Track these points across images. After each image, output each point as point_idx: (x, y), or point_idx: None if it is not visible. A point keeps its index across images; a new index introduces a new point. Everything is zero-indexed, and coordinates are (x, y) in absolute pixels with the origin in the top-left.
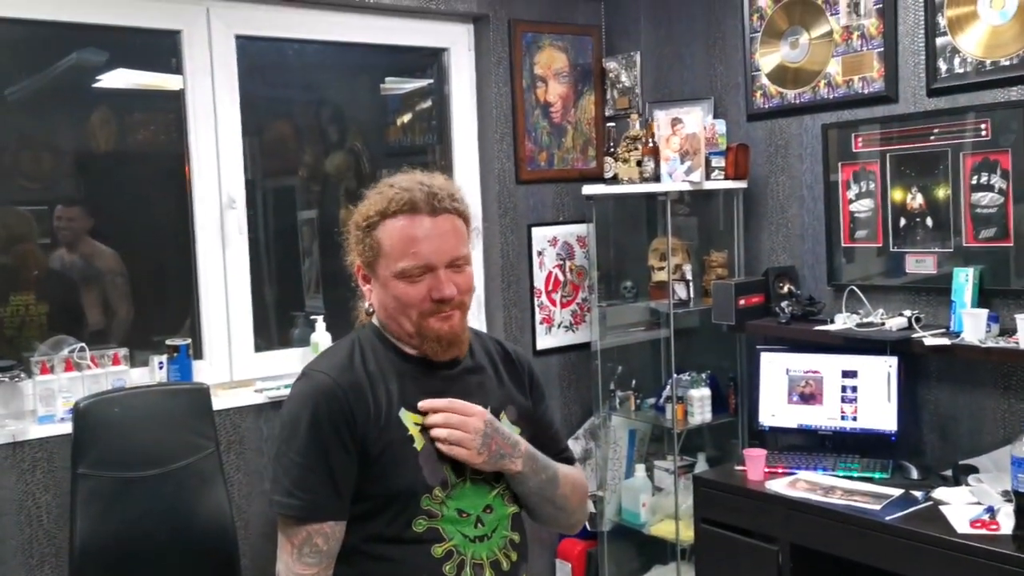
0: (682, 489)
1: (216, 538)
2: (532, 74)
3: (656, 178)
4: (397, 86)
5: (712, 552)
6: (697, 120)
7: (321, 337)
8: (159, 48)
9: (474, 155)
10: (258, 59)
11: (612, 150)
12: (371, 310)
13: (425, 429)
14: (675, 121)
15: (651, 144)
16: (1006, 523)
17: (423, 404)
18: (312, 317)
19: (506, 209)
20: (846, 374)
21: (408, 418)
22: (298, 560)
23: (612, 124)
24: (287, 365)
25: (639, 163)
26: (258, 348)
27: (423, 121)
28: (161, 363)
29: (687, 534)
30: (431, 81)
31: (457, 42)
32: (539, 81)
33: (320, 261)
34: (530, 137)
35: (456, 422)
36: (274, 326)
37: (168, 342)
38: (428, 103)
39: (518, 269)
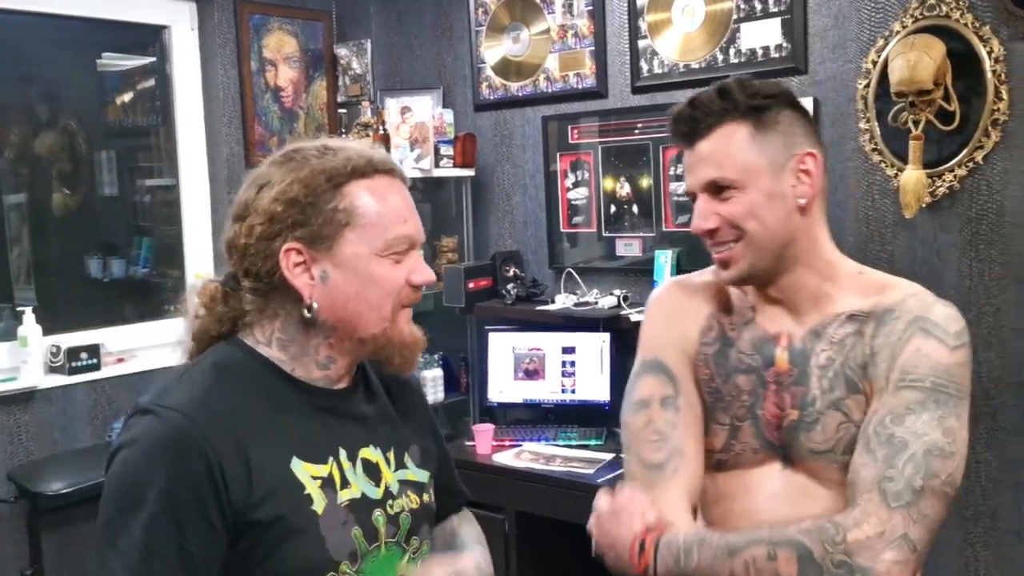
0: None
1: None
2: (261, 57)
3: None
4: (115, 63)
5: None
6: (426, 109)
7: (30, 330)
8: None
9: (201, 138)
10: None
11: (345, 136)
12: (313, 311)
13: (328, 483)
14: (405, 109)
15: (382, 131)
16: None
17: None
18: (19, 309)
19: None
20: (566, 350)
21: (304, 471)
22: None
23: (344, 111)
24: None
25: None
26: None
27: (146, 101)
28: None
29: None
30: (153, 59)
31: (179, 20)
32: (268, 65)
33: (31, 249)
34: (260, 121)
35: None
36: None
37: None
38: (151, 82)
39: None
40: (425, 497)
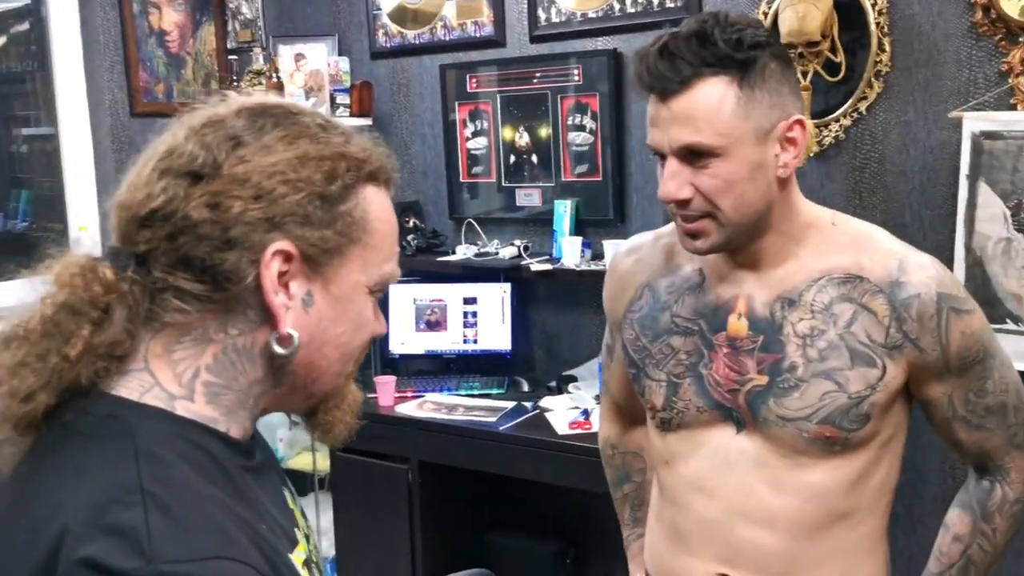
0: None
1: None
2: None
3: None
4: None
5: (348, 479)
6: (321, 56)
7: None
8: None
9: (81, 84)
10: None
11: (236, 84)
12: (294, 347)
13: (307, 563)
14: (299, 57)
15: (276, 79)
16: (597, 422)
17: None
18: None
19: (121, 144)
20: (467, 301)
21: (295, 561)
22: None
23: (235, 57)
24: None
25: None
26: None
27: (20, 45)
28: None
29: (324, 464)
30: (27, 1)
31: None
32: (151, 7)
33: None
34: (145, 67)
35: None
36: None
37: None
38: (25, 25)
39: None
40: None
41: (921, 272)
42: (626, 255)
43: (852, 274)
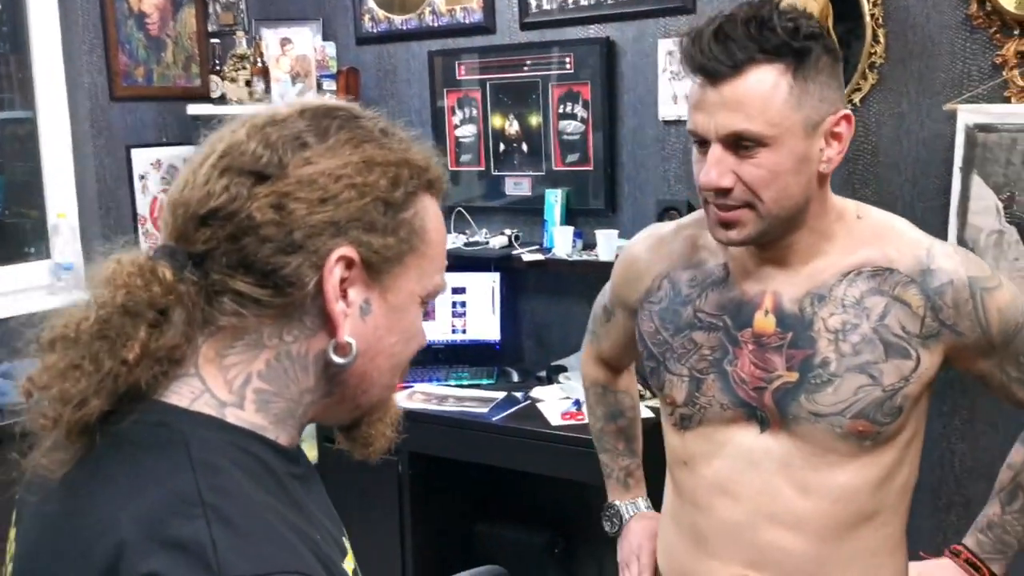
0: None
1: None
2: None
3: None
4: None
5: (336, 469)
6: (307, 41)
7: None
8: None
9: (59, 67)
10: None
11: (219, 68)
12: (352, 356)
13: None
14: (284, 41)
15: (260, 64)
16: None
17: None
18: None
19: (100, 129)
20: (456, 291)
21: (347, 570)
22: None
23: (217, 41)
24: None
25: (248, 83)
26: None
27: None
28: None
29: (312, 455)
30: None
31: None
32: None
33: None
34: (124, 50)
35: None
36: None
37: None
38: None
39: (117, 194)
40: None
41: (948, 259)
42: (644, 241)
43: (881, 267)
